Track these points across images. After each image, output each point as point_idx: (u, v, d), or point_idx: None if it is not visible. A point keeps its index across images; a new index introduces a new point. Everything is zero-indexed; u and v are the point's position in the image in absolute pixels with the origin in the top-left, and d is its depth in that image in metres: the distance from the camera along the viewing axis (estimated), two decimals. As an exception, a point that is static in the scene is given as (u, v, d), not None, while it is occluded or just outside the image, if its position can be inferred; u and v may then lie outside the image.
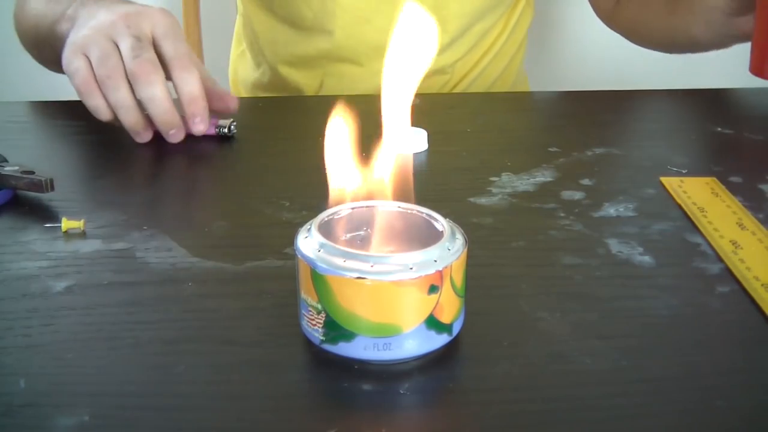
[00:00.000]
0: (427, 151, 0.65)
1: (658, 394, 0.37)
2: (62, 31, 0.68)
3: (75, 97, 0.72)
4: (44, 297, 0.44)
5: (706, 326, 0.42)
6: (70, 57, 0.64)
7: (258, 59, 0.97)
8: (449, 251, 0.38)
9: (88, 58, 0.63)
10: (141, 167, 0.63)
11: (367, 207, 0.41)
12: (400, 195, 0.41)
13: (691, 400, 0.37)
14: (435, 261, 0.37)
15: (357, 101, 0.43)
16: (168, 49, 0.64)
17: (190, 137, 0.67)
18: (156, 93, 0.62)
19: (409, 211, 0.41)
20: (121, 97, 0.62)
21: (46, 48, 0.74)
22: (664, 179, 0.59)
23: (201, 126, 0.64)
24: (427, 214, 0.41)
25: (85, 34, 0.64)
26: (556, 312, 0.43)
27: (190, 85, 0.63)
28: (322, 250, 0.37)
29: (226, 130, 0.66)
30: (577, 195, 0.57)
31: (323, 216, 0.40)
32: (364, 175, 0.41)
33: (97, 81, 0.63)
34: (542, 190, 0.58)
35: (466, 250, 0.38)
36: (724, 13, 0.77)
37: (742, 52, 0.80)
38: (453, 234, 0.39)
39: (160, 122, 0.63)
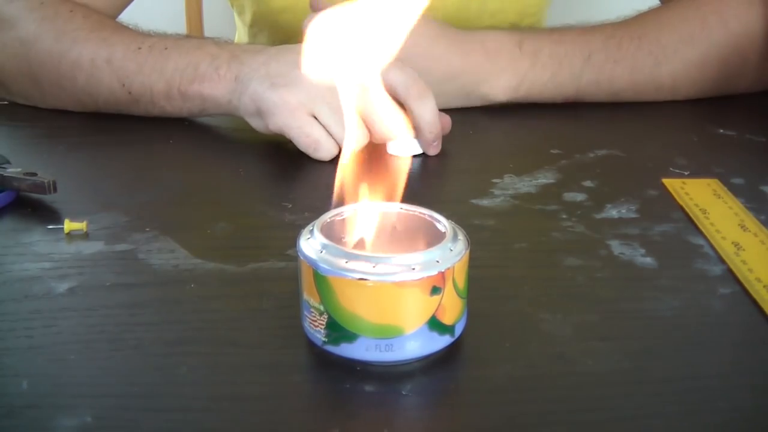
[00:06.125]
0: (422, 155, 0.65)
1: (660, 396, 0.37)
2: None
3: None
4: (46, 298, 0.44)
5: (708, 328, 0.42)
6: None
7: None
8: (451, 252, 0.38)
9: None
10: (143, 169, 0.63)
11: (369, 208, 0.41)
12: (391, 196, 0.41)
13: (693, 402, 0.37)
14: (437, 262, 0.37)
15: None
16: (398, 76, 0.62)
17: (189, 139, 0.67)
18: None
19: (411, 213, 0.41)
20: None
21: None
22: (666, 181, 0.59)
23: (437, 149, 0.64)
24: (429, 216, 0.41)
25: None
26: (558, 313, 0.43)
27: (429, 111, 0.63)
28: (324, 252, 0.37)
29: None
30: (579, 196, 0.57)
31: (325, 217, 0.40)
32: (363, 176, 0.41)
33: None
34: (544, 191, 0.58)
35: (468, 251, 0.38)
36: None
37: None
38: (455, 235, 0.39)
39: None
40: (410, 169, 0.42)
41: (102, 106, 0.71)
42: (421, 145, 0.64)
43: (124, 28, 0.72)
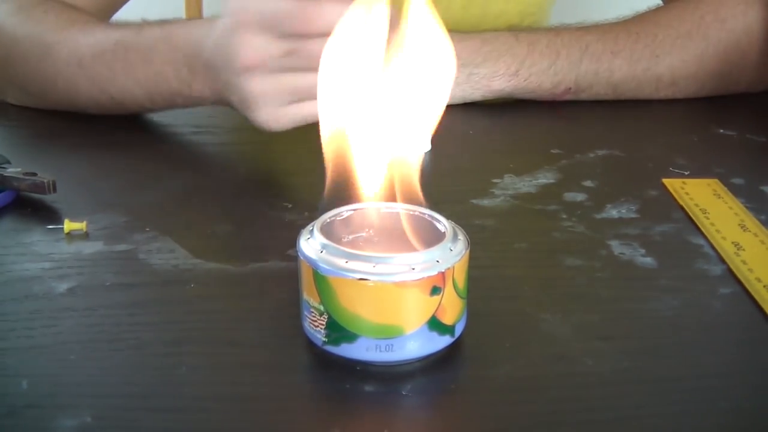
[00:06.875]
0: (430, 152, 0.65)
1: (661, 395, 0.37)
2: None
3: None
4: (47, 298, 0.44)
5: (708, 327, 0.42)
6: None
7: None
8: (451, 252, 0.38)
9: None
10: (143, 169, 0.63)
11: (369, 208, 0.41)
12: (407, 196, 0.41)
13: (694, 402, 0.37)
14: (437, 262, 0.37)
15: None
16: None
17: (189, 139, 0.67)
18: None
19: (411, 212, 0.41)
20: None
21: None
22: (666, 181, 0.59)
23: None
24: (429, 215, 0.41)
25: None
26: (558, 313, 0.43)
27: None
28: (324, 252, 0.37)
29: None
30: (580, 196, 0.57)
31: (325, 217, 0.40)
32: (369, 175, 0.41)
33: None
34: (544, 191, 0.58)
35: (468, 251, 0.38)
36: None
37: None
38: (455, 235, 0.39)
39: None
40: (422, 167, 0.42)
41: (91, 109, 0.70)
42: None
43: (92, 25, 0.71)
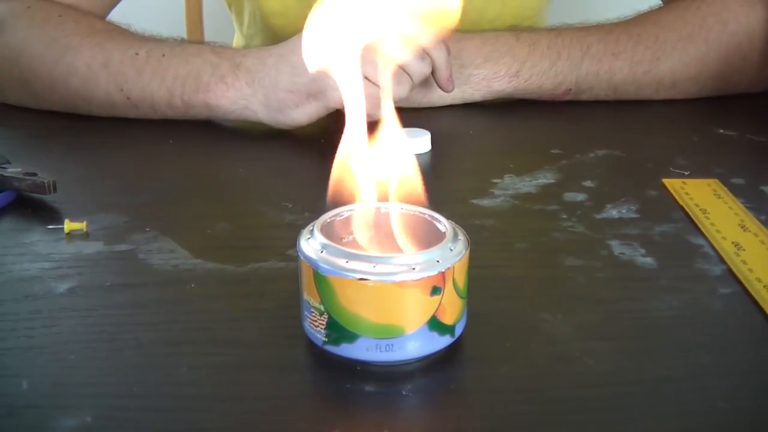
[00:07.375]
0: (430, 152, 0.65)
1: (661, 396, 0.37)
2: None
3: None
4: (47, 298, 0.44)
5: (708, 328, 0.42)
6: None
7: None
8: (451, 252, 0.38)
9: None
10: (143, 169, 0.63)
11: (369, 208, 0.41)
12: (410, 197, 0.41)
13: (694, 402, 0.37)
14: (437, 262, 0.37)
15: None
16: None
17: (189, 139, 0.67)
18: None
19: (411, 213, 0.41)
20: None
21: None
22: (666, 181, 0.59)
23: (454, 84, 0.70)
24: (429, 215, 0.41)
25: None
26: (558, 313, 0.43)
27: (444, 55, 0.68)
28: (324, 252, 0.37)
29: None
30: (580, 196, 0.57)
31: (325, 217, 0.40)
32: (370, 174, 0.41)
33: None
34: (544, 191, 0.58)
35: (468, 251, 0.38)
36: None
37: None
38: (455, 235, 0.39)
39: None
40: (421, 168, 0.42)
41: (95, 110, 0.71)
42: (440, 85, 0.69)
43: (117, 32, 0.72)
